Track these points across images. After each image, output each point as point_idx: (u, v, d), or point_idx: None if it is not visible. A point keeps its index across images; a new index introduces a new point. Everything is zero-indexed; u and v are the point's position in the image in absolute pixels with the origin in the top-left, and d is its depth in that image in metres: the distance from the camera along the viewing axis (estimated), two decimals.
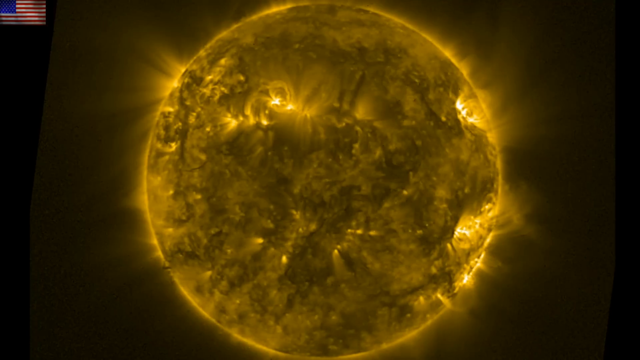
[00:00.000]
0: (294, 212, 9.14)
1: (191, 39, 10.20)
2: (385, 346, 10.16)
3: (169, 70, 10.15)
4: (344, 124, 9.18)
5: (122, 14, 10.12)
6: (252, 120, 9.28)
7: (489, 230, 9.99)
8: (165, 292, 10.19)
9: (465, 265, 9.85)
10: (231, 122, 9.36)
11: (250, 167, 9.18)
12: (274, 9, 10.18)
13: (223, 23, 10.20)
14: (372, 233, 9.20)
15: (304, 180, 9.11)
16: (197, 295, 9.88)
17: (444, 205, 9.43)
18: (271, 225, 9.19)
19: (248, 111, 9.29)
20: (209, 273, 9.57)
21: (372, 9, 10.11)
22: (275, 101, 9.31)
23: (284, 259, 9.27)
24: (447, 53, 10.15)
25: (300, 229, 9.16)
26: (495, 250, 10.11)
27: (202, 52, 10.06)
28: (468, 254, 9.81)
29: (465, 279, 10.02)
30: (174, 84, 10.10)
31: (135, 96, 10.14)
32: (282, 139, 9.17)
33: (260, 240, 9.26)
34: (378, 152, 9.18)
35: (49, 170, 10.07)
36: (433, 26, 10.14)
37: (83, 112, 10.09)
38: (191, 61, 10.14)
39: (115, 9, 10.13)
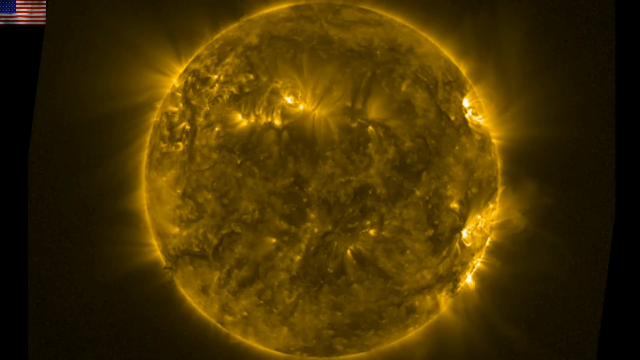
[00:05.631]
0: (308, 211, 9.13)
1: (188, 38, 10.15)
2: (387, 345, 10.17)
3: (166, 70, 10.10)
4: (357, 124, 9.18)
5: (119, 12, 10.06)
6: (264, 120, 9.25)
7: (492, 229, 10.04)
8: (165, 293, 10.13)
9: (469, 265, 9.90)
10: (242, 122, 9.32)
11: (263, 166, 9.15)
12: (274, 8, 10.16)
13: (221, 22, 10.17)
14: (385, 233, 9.21)
15: (318, 180, 9.09)
16: (201, 296, 9.82)
17: (454, 205, 9.47)
18: (285, 226, 9.16)
19: (259, 111, 9.26)
20: (217, 273, 9.52)
21: (369, 7, 10.12)
22: (287, 100, 9.28)
23: (297, 258, 9.25)
24: (447, 52, 10.19)
25: (315, 229, 9.14)
26: (495, 250, 10.15)
27: (204, 51, 10.01)
28: (473, 254, 9.86)
29: (468, 279, 10.06)
30: (174, 83, 10.04)
31: (133, 96, 10.08)
32: (296, 139, 9.15)
33: (273, 240, 9.23)
34: (391, 152, 9.19)
35: (47, 170, 9.99)
36: (432, 25, 10.17)
37: (82, 111, 10.02)
38: (190, 60, 10.10)
39: (112, 7, 10.07)
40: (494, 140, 10.09)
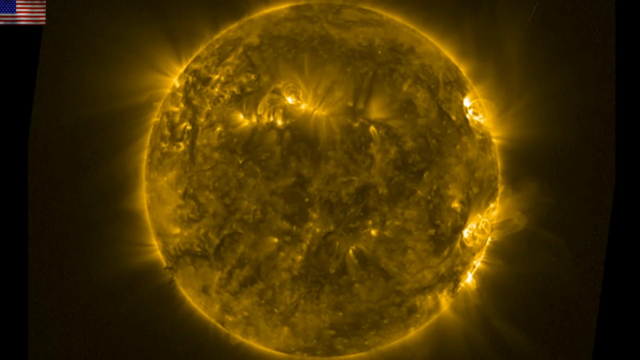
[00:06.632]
0: (310, 211, 9.12)
1: (188, 38, 10.14)
2: (387, 345, 10.17)
3: (166, 70, 10.09)
4: (358, 124, 9.18)
5: (119, 12, 10.04)
6: (265, 120, 9.24)
7: (492, 229, 10.04)
8: (165, 293, 10.12)
9: (470, 264, 9.90)
10: (244, 122, 9.32)
11: (265, 166, 9.14)
12: (275, 8, 10.15)
13: (221, 22, 10.16)
14: (387, 233, 9.21)
15: (320, 180, 9.09)
16: (201, 296, 9.81)
17: (455, 205, 9.47)
18: (286, 225, 9.16)
19: (261, 111, 9.25)
20: (218, 273, 9.51)
21: (369, 7, 10.12)
22: (289, 100, 9.27)
23: (299, 258, 9.24)
24: (447, 52, 10.19)
25: (317, 229, 9.14)
26: (496, 249, 10.15)
27: (204, 52, 10.00)
28: (474, 254, 9.86)
29: (468, 278, 10.06)
30: (174, 83, 10.03)
31: (133, 96, 10.06)
32: (298, 139, 9.14)
33: (275, 240, 9.22)
34: (393, 152, 9.19)
35: (47, 170, 9.98)
36: (432, 25, 10.17)
37: (82, 111, 10.01)
38: (190, 60, 10.08)
39: (112, 7, 10.06)
40: (494, 140, 10.09)
